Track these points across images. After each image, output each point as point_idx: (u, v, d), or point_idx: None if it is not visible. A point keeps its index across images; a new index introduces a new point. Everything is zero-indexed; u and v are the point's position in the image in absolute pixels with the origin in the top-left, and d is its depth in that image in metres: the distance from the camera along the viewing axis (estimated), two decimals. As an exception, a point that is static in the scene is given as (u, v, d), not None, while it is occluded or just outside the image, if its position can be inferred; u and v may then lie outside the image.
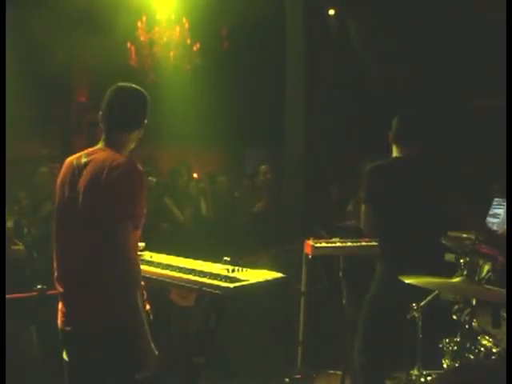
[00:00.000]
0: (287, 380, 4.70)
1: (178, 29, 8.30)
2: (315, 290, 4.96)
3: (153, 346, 2.45)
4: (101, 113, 2.64)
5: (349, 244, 4.57)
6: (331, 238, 4.75)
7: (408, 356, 3.02)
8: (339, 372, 4.57)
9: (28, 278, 4.56)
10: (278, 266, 3.38)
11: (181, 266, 3.14)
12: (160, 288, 3.20)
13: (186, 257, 3.36)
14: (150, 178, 5.39)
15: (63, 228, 2.57)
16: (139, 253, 2.89)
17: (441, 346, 2.94)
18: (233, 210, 6.04)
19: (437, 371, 2.92)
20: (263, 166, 6.09)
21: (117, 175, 2.43)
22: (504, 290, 2.59)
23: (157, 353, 2.46)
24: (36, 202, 5.41)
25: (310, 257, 4.67)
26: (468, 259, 2.78)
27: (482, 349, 2.84)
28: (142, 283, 2.57)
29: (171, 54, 8.44)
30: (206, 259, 3.26)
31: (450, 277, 2.80)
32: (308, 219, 5.91)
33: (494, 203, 4.23)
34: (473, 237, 2.91)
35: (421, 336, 2.96)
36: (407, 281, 2.73)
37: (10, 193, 5.00)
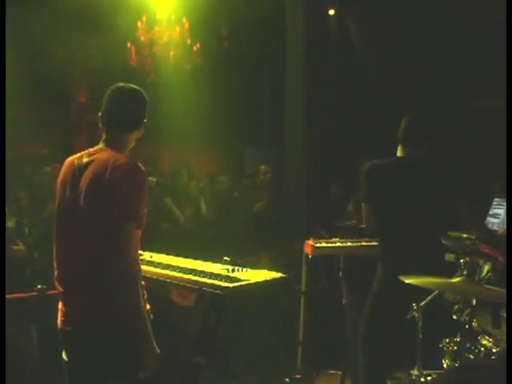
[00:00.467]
0: (287, 380, 4.70)
1: (177, 29, 8.30)
2: (315, 290, 4.96)
3: (155, 345, 2.46)
4: (100, 113, 2.65)
5: (349, 244, 4.57)
6: (331, 237, 4.75)
7: (408, 356, 3.03)
8: (339, 372, 4.57)
9: (28, 277, 4.57)
10: (278, 266, 3.39)
11: (181, 265, 3.14)
12: (160, 288, 3.20)
13: (186, 257, 3.36)
14: (150, 178, 5.39)
15: (64, 228, 2.57)
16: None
17: (441, 345, 2.94)
18: (233, 210, 6.04)
19: (437, 371, 2.92)
20: (263, 166, 6.10)
21: (120, 175, 2.43)
22: (504, 290, 2.59)
23: (159, 352, 2.47)
24: (38, 201, 5.42)
25: (309, 257, 4.67)
26: (468, 259, 2.78)
27: (482, 349, 2.84)
28: (143, 283, 2.58)
29: (171, 53, 8.44)
30: (206, 259, 3.26)
31: (450, 277, 2.80)
32: (308, 219, 5.91)
33: (494, 203, 4.23)
34: (473, 237, 2.91)
35: (421, 336, 2.96)
36: (407, 281, 2.73)
37: (10, 193, 5.00)
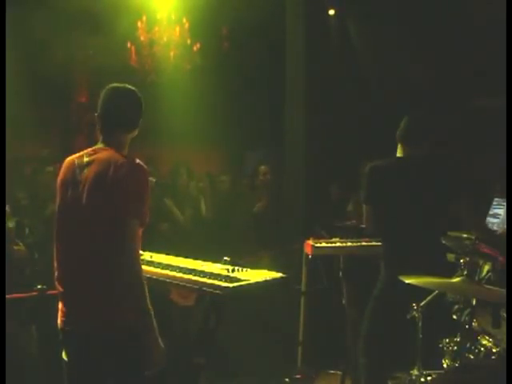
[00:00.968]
0: (287, 380, 4.70)
1: (177, 29, 8.30)
2: (315, 290, 4.96)
3: (161, 341, 2.46)
4: (97, 114, 2.65)
5: (349, 244, 4.57)
6: (331, 237, 4.75)
7: (409, 356, 3.02)
8: (339, 372, 4.57)
9: (28, 278, 4.56)
10: (278, 266, 3.38)
11: (181, 265, 3.14)
12: (160, 288, 3.20)
13: (186, 257, 3.36)
14: (150, 179, 5.38)
15: (65, 227, 2.58)
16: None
17: (441, 346, 2.94)
18: (233, 210, 6.04)
19: (437, 371, 2.92)
20: (262, 167, 6.09)
21: (123, 174, 2.44)
22: (504, 290, 2.59)
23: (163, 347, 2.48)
24: (39, 201, 5.42)
25: (309, 257, 4.67)
26: (468, 259, 2.78)
27: (482, 349, 2.84)
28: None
29: (171, 53, 8.44)
30: (206, 259, 3.26)
31: (450, 277, 2.80)
32: (308, 219, 5.91)
33: (494, 203, 4.23)
34: (473, 237, 2.91)
35: (421, 336, 2.96)
36: (407, 281, 2.73)
37: (10, 193, 5.00)
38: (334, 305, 4.67)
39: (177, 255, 3.41)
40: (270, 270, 3.05)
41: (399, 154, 3.72)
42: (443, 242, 3.08)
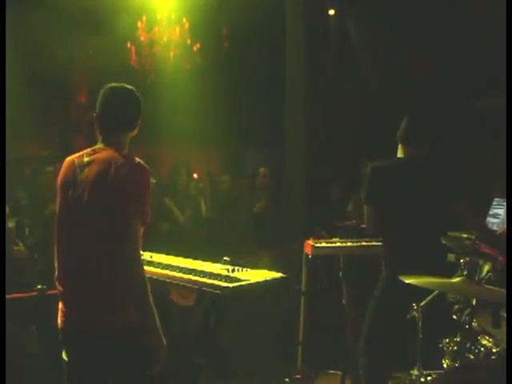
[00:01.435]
0: (287, 380, 4.70)
1: (177, 29, 8.31)
2: (315, 290, 4.96)
3: (163, 339, 2.48)
4: (95, 114, 2.65)
5: (349, 244, 4.57)
6: (331, 237, 4.74)
7: (409, 356, 3.02)
8: (339, 372, 4.56)
9: (28, 278, 4.56)
10: (278, 266, 3.39)
11: (181, 265, 3.14)
12: (160, 288, 3.20)
13: (186, 257, 3.36)
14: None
15: (66, 227, 2.57)
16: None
17: (441, 346, 2.94)
18: (233, 210, 6.04)
19: (437, 371, 2.92)
20: (262, 168, 6.09)
21: (124, 174, 2.45)
22: (504, 290, 2.59)
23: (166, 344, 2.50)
24: (39, 201, 5.42)
25: (309, 257, 4.66)
26: (468, 259, 2.78)
27: (482, 349, 2.84)
28: None
29: (171, 53, 8.45)
30: (206, 259, 3.26)
31: (450, 277, 2.80)
32: (308, 219, 5.91)
33: (494, 203, 4.23)
34: (473, 237, 2.91)
35: (421, 336, 2.96)
36: (407, 281, 2.73)
37: (10, 193, 5.00)
38: (334, 305, 4.66)
39: (177, 255, 3.41)
40: (269, 269, 3.05)
41: (399, 154, 3.72)
42: (443, 242, 3.08)
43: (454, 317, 2.96)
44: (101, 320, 2.46)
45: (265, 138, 8.93)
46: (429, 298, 2.96)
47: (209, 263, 3.19)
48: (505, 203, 4.06)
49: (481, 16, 6.79)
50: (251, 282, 2.82)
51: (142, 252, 2.72)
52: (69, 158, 2.66)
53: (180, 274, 3.01)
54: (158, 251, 3.49)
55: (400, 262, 3.42)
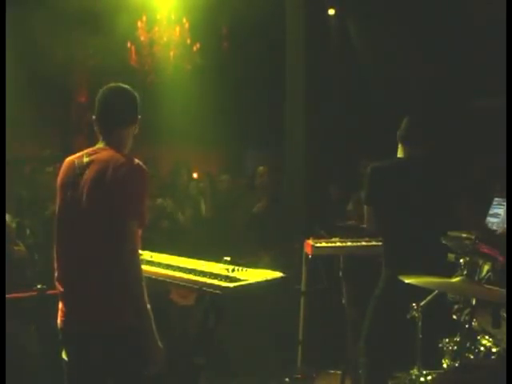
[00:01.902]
0: (287, 380, 4.70)
1: (177, 29, 8.30)
2: (315, 290, 4.96)
3: (159, 341, 2.47)
4: (94, 116, 2.66)
5: (349, 244, 4.57)
6: (331, 237, 4.74)
7: (408, 356, 3.02)
8: (339, 372, 4.56)
9: (28, 278, 4.56)
10: (278, 266, 3.38)
11: (181, 266, 3.14)
12: (160, 288, 3.20)
13: (186, 257, 3.36)
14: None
15: (65, 227, 2.57)
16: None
17: (441, 346, 2.94)
18: (233, 210, 6.04)
19: (437, 371, 2.92)
20: (261, 168, 6.09)
21: (122, 174, 2.44)
22: (504, 290, 2.59)
23: (162, 348, 2.49)
24: (39, 202, 5.42)
25: (309, 257, 4.66)
26: (468, 259, 2.78)
27: (482, 349, 2.84)
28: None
29: (171, 53, 8.45)
30: (206, 259, 3.26)
31: (450, 277, 2.80)
32: (308, 219, 5.91)
33: (494, 203, 4.23)
34: (473, 237, 2.91)
35: (421, 336, 2.96)
36: (407, 281, 2.73)
37: (11, 193, 5.00)
38: (334, 305, 4.67)
39: (177, 255, 3.41)
40: (269, 269, 3.05)
41: (400, 154, 3.72)
42: (443, 241, 3.08)
43: (454, 317, 2.95)
44: (100, 320, 2.46)
45: (265, 138, 8.94)
46: (429, 297, 2.96)
47: (209, 263, 3.19)
48: (505, 203, 4.06)
49: (481, 16, 6.79)
50: (251, 281, 2.82)
51: (141, 252, 2.73)
52: (68, 159, 2.66)
53: (180, 274, 3.01)
54: (159, 247, 3.49)
55: (400, 262, 3.42)
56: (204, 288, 2.82)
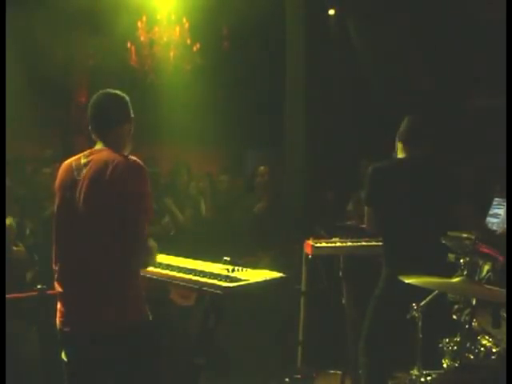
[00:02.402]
0: (287, 380, 4.70)
1: (177, 29, 8.30)
2: (315, 290, 4.95)
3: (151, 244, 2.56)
4: (90, 127, 2.68)
5: (349, 244, 4.57)
6: (331, 237, 4.74)
7: (408, 356, 3.02)
8: (339, 372, 4.56)
9: (28, 278, 4.57)
10: (278, 266, 3.38)
11: (181, 266, 3.14)
12: (160, 288, 3.20)
13: (186, 257, 3.36)
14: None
15: (64, 228, 2.58)
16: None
17: (441, 345, 2.94)
18: (233, 210, 6.04)
19: (437, 371, 2.92)
20: (261, 167, 6.08)
21: (120, 173, 2.46)
22: (504, 290, 2.59)
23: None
24: (38, 202, 5.42)
25: (309, 257, 4.66)
26: (468, 259, 2.78)
27: (482, 349, 2.84)
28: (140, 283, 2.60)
29: (171, 54, 8.44)
30: (206, 259, 3.26)
31: (450, 277, 2.80)
32: (308, 219, 5.90)
33: (494, 203, 4.23)
34: (473, 237, 2.91)
35: (421, 336, 2.96)
36: (407, 281, 2.73)
37: (11, 193, 5.00)
38: (334, 305, 4.66)
39: (177, 255, 3.41)
40: (269, 270, 3.05)
41: (400, 154, 3.72)
42: (443, 241, 3.08)
43: (454, 317, 2.95)
44: (100, 320, 2.47)
45: (265, 138, 8.94)
46: (429, 297, 2.96)
47: (209, 263, 3.19)
48: (505, 203, 4.06)
49: (481, 16, 6.80)
50: (251, 281, 2.82)
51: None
52: (66, 162, 2.67)
53: (180, 274, 3.01)
54: (159, 251, 3.48)
55: (400, 262, 3.42)
56: (204, 288, 2.82)
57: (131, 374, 2.50)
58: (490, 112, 6.50)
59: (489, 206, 4.26)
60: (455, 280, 2.74)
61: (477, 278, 2.83)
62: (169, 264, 3.19)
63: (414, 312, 2.96)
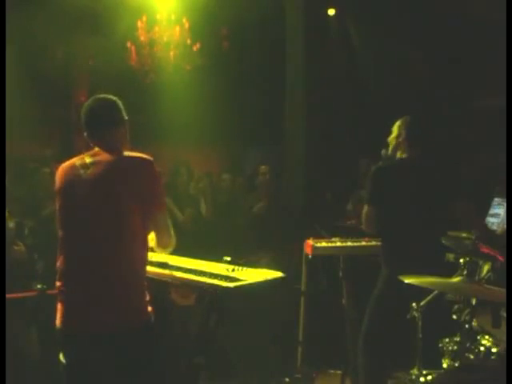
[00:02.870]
0: (287, 380, 4.69)
1: (177, 29, 8.30)
2: (315, 290, 4.95)
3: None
4: (85, 133, 2.68)
5: (349, 244, 4.57)
6: (331, 238, 4.74)
7: (408, 356, 3.02)
8: (339, 372, 4.56)
9: (28, 278, 4.56)
10: (278, 266, 3.38)
11: (181, 265, 3.14)
12: (160, 288, 3.19)
13: (186, 257, 3.36)
14: None
15: (69, 227, 2.57)
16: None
17: (441, 345, 2.94)
18: (233, 210, 6.04)
19: (437, 371, 2.92)
20: (263, 167, 6.09)
21: (135, 171, 2.51)
22: (504, 290, 2.59)
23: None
24: (38, 201, 5.42)
25: (309, 257, 4.66)
26: (468, 259, 2.78)
27: (482, 349, 2.84)
28: (145, 283, 2.60)
29: (171, 53, 8.44)
30: (206, 259, 3.26)
31: (450, 277, 2.80)
32: (308, 219, 5.90)
33: (494, 203, 4.23)
34: (473, 237, 2.91)
35: (421, 336, 2.96)
36: (407, 281, 2.73)
37: (11, 193, 5.00)
38: (334, 305, 4.66)
39: (177, 255, 3.41)
40: (269, 270, 3.05)
41: (399, 154, 3.73)
42: (443, 241, 3.08)
43: (454, 317, 2.95)
44: (101, 321, 2.46)
45: (265, 137, 8.94)
46: (429, 297, 2.96)
47: (209, 263, 3.19)
48: (505, 203, 4.06)
49: (481, 16, 6.80)
50: (251, 281, 2.82)
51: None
52: (68, 162, 2.65)
53: (180, 274, 3.01)
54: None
55: (400, 262, 3.43)
56: (204, 288, 2.82)
57: (131, 374, 2.50)
58: (490, 112, 6.50)
59: (489, 206, 4.26)
60: (455, 280, 2.74)
61: (477, 278, 2.83)
62: (169, 264, 3.19)
63: (414, 312, 2.96)
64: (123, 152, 2.58)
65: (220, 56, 8.72)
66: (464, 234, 2.99)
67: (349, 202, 5.90)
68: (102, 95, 2.74)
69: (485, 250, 2.94)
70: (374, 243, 4.34)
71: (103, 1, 7.30)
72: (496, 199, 4.23)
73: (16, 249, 4.47)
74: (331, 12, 8.59)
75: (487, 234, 3.77)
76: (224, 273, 2.93)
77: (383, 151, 3.82)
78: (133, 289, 2.47)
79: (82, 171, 2.55)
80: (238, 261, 3.18)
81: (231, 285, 2.74)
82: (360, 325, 3.78)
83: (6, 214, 4.36)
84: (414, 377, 2.93)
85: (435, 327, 3.01)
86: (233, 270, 2.98)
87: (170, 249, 2.73)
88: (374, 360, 3.62)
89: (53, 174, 2.80)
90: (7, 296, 3.47)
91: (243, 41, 8.67)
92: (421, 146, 3.65)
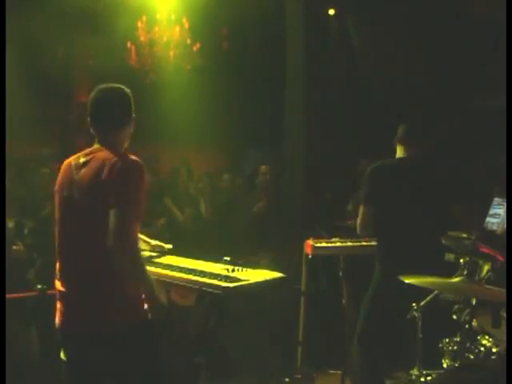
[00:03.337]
0: (287, 380, 4.69)
1: (177, 29, 8.31)
2: (315, 290, 4.95)
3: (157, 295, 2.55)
4: (89, 118, 2.64)
5: (349, 244, 4.56)
6: (331, 238, 4.74)
7: (408, 356, 3.02)
8: (339, 372, 4.56)
9: (28, 278, 4.57)
10: (278, 266, 3.38)
11: (181, 265, 3.14)
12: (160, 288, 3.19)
13: (186, 257, 3.36)
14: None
15: (64, 228, 2.58)
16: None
17: (441, 345, 2.94)
18: (233, 210, 6.04)
19: (437, 371, 2.92)
20: (263, 166, 6.08)
21: (118, 171, 2.44)
22: (504, 290, 2.59)
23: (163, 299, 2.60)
24: (37, 201, 5.42)
25: (309, 257, 4.66)
26: (468, 259, 2.78)
27: (482, 349, 2.84)
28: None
29: (171, 53, 8.45)
30: (206, 259, 3.26)
31: (450, 277, 2.80)
32: (308, 219, 5.90)
33: (494, 203, 4.23)
34: (473, 237, 2.91)
35: (421, 336, 2.96)
36: (407, 281, 2.73)
37: (11, 193, 5.00)
38: (334, 305, 4.66)
39: (177, 255, 3.41)
40: (269, 270, 3.05)
41: (399, 154, 3.72)
42: (443, 241, 3.08)
43: (454, 317, 2.96)
44: (100, 320, 2.46)
45: (265, 138, 8.94)
46: (429, 297, 2.96)
47: (209, 263, 3.19)
48: (505, 203, 4.06)
49: (481, 16, 6.79)
50: (251, 281, 2.82)
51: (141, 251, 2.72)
52: (67, 160, 2.66)
53: (180, 274, 3.01)
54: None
55: (396, 262, 3.42)
56: (204, 288, 2.82)
57: (131, 374, 2.50)
58: (490, 112, 6.50)
59: (489, 206, 4.26)
60: (455, 280, 2.74)
61: (477, 278, 2.83)
62: (169, 264, 3.19)
63: (414, 312, 2.96)
64: (120, 152, 2.56)
65: (220, 56, 8.72)
66: (464, 234, 2.99)
67: (349, 202, 5.89)
68: (115, 86, 2.65)
69: (485, 250, 2.94)
70: (373, 243, 4.34)
71: (103, 1, 7.31)
72: (496, 199, 4.23)
73: (15, 248, 4.47)
74: (331, 12, 8.59)
75: (487, 233, 3.77)
76: (224, 273, 2.93)
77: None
78: (128, 288, 2.47)
79: (74, 172, 2.56)
80: (238, 261, 3.19)
81: (231, 285, 2.74)
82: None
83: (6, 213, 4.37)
84: (414, 377, 2.93)
85: (435, 327, 3.01)
86: (233, 270, 2.98)
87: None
88: (369, 360, 3.62)
89: (52, 174, 2.81)
90: (7, 296, 3.48)
91: (243, 41, 8.67)
92: (420, 146, 3.65)
